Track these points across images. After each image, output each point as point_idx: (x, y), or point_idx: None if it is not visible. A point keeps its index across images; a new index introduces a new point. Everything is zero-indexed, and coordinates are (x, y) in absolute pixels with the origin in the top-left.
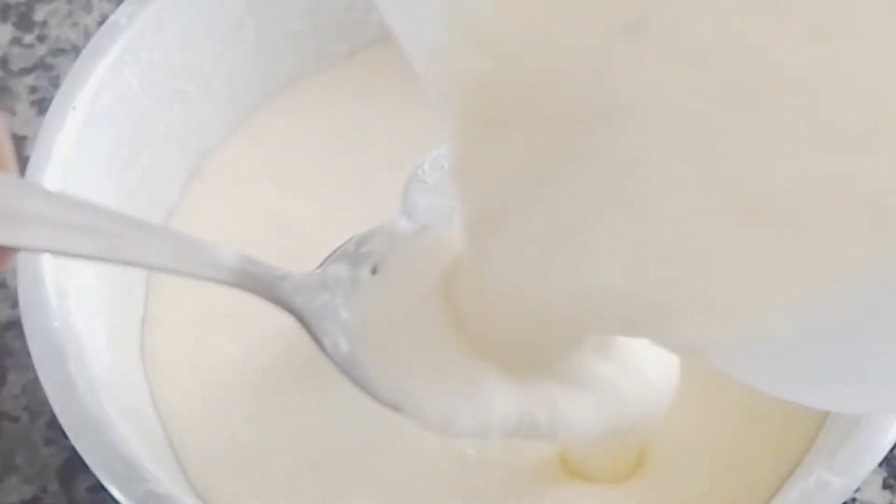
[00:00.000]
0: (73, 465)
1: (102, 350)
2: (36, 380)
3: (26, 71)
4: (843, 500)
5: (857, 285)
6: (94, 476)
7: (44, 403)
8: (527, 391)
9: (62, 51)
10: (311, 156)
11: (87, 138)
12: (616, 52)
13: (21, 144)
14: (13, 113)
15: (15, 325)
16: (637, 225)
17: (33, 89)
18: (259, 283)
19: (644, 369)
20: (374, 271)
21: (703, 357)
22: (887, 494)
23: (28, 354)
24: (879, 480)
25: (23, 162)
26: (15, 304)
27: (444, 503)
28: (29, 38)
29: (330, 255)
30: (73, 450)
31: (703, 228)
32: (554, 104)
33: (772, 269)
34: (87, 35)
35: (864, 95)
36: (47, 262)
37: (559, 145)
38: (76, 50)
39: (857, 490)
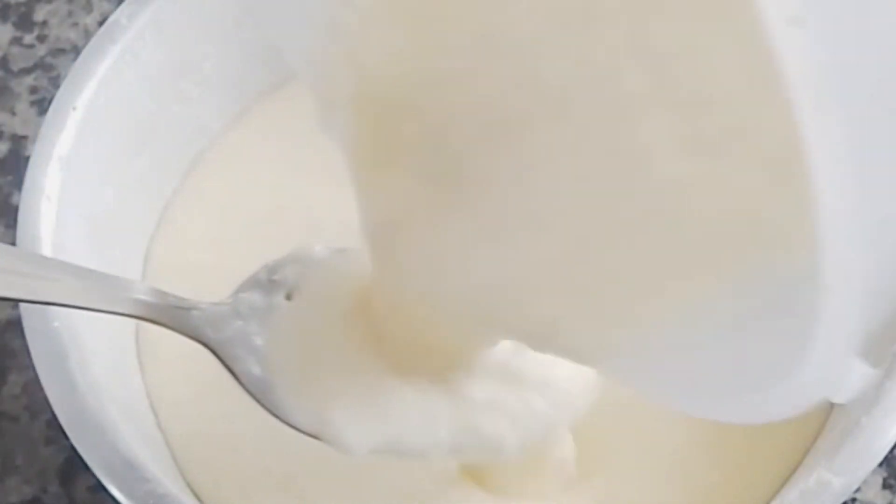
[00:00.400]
0: (73, 465)
1: (102, 350)
2: (36, 380)
3: (26, 71)
4: (843, 500)
5: (717, 300)
6: (94, 476)
7: (44, 403)
8: (445, 412)
9: (62, 51)
10: (312, 149)
11: (87, 138)
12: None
13: (21, 144)
14: (13, 113)
15: (15, 325)
16: (518, 242)
17: (33, 89)
18: (167, 315)
19: (556, 379)
20: (288, 297)
21: (593, 364)
22: (887, 494)
23: (28, 354)
24: (879, 480)
25: (23, 162)
26: (15, 304)
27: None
28: (29, 38)
29: (242, 284)
30: (73, 450)
31: (578, 250)
32: (436, 126)
33: (639, 284)
34: (87, 35)
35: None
36: None
37: (444, 164)
38: (76, 50)
39: (857, 490)
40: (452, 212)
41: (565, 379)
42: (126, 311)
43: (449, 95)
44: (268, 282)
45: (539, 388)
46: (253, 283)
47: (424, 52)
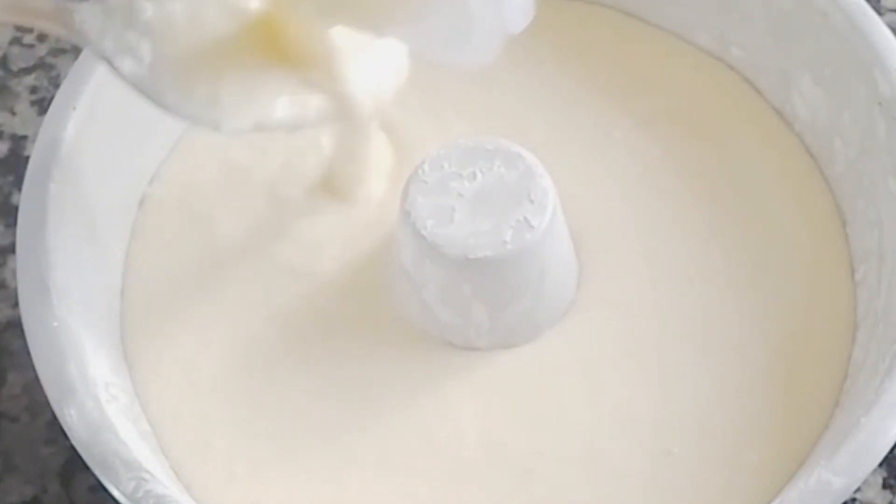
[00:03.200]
0: (73, 465)
1: (102, 350)
2: (36, 380)
3: (26, 71)
4: (843, 500)
5: None
6: (94, 476)
7: (44, 403)
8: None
9: (62, 51)
10: (313, 142)
11: (88, 138)
12: None
13: (21, 144)
14: (13, 113)
15: (15, 325)
16: None
17: (33, 89)
18: (54, 16)
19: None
20: None
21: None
22: (887, 494)
23: (28, 354)
24: (879, 480)
25: (23, 162)
26: (15, 304)
27: (413, 486)
28: (29, 38)
29: None
30: (73, 450)
31: None
32: None
33: None
34: None
35: None
36: (47, 261)
37: None
38: (76, 50)
39: (857, 490)
40: None
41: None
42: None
43: None
44: None
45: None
46: None
47: None
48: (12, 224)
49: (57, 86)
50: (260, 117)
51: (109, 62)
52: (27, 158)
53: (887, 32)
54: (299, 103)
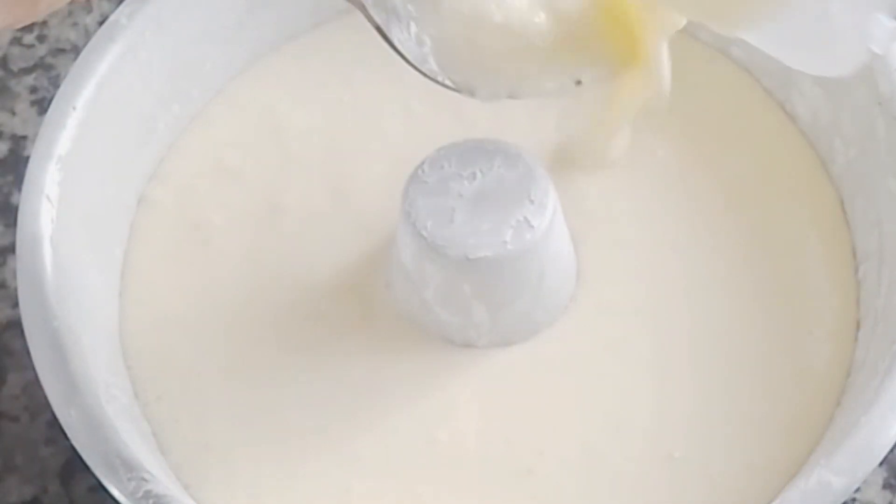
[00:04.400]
0: (73, 465)
1: (102, 350)
2: (36, 380)
3: (26, 71)
4: (843, 500)
5: None
6: (94, 476)
7: (44, 403)
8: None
9: (62, 51)
10: (311, 142)
11: (87, 138)
12: None
13: (21, 144)
14: (13, 113)
15: (15, 325)
16: None
17: (33, 89)
18: None
19: None
20: None
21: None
22: (887, 494)
23: (28, 354)
24: (879, 480)
25: (23, 162)
26: (15, 304)
27: (416, 486)
28: (29, 38)
29: None
30: (73, 450)
31: None
32: None
33: None
34: (87, 35)
35: None
36: (47, 261)
37: None
38: (76, 50)
39: (857, 490)
40: None
41: None
42: None
43: None
44: None
45: None
46: None
47: None
48: (12, 224)
49: (57, 86)
50: (517, 86)
51: (378, 27)
52: (27, 158)
53: None
54: (559, 73)
